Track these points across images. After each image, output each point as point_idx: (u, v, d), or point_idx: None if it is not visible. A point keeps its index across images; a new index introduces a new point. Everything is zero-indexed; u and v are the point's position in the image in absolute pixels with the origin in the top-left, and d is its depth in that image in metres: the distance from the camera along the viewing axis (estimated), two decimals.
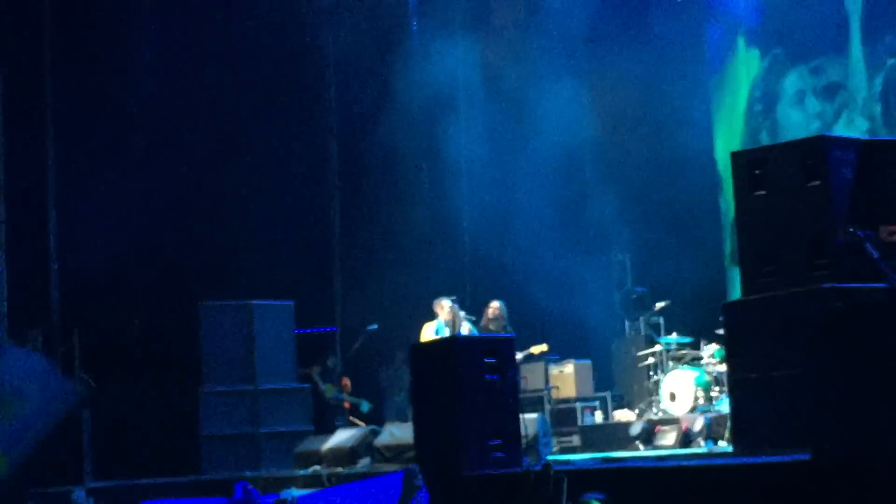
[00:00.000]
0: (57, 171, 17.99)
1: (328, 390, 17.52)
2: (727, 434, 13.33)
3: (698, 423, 14.72)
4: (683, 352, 16.60)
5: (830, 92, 17.41)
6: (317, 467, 13.97)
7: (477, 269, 19.46)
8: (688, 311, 17.22)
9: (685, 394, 15.76)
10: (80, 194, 17.64)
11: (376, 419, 17.13)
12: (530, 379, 16.90)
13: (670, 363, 16.42)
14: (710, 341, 16.02)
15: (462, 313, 15.04)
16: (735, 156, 10.44)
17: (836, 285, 9.23)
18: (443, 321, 14.92)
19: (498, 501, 9.60)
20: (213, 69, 18.40)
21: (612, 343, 18.68)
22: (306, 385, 16.55)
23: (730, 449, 11.43)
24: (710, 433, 14.50)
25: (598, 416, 17.20)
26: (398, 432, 13.48)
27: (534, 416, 13.21)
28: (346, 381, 18.08)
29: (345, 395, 17.73)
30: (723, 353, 14.70)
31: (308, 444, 14.84)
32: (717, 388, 15.63)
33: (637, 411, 16.75)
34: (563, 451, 15.65)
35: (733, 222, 11.91)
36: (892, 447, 7.03)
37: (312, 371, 17.47)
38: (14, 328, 17.17)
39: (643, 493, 8.60)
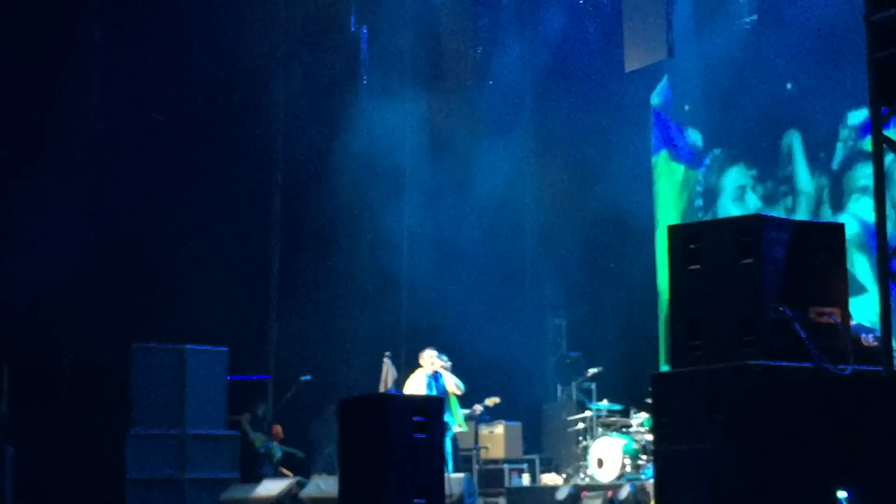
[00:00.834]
0: None
1: (258, 439, 17.43)
2: (652, 503, 13.41)
3: (624, 491, 14.81)
4: (613, 419, 16.70)
5: (771, 189, 17.71)
6: None
7: (413, 326, 19.50)
8: (619, 378, 17.36)
9: (612, 461, 15.85)
10: (13, 225, 17.49)
11: (304, 470, 17.08)
12: (460, 438, 16.91)
13: (599, 429, 16.52)
14: (639, 410, 16.15)
15: (444, 357, 15.25)
16: (672, 229, 10.54)
17: (763, 363, 9.32)
18: (430, 373, 15.00)
19: None
20: (160, 108, 18.39)
21: (544, 406, 18.77)
22: (235, 432, 16.46)
23: None
24: (636, 501, 14.58)
25: (526, 479, 17.24)
26: (324, 485, 13.47)
27: (460, 475, 13.23)
28: (278, 429, 18.01)
29: (275, 445, 17.65)
30: (651, 422, 14.80)
31: (234, 492, 14.76)
32: (644, 457, 15.73)
33: (564, 476, 16.82)
34: None
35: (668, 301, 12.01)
36: None
37: (242, 418, 17.39)
38: None
39: None
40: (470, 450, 17.17)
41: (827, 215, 17.00)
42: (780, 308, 9.49)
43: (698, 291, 10.03)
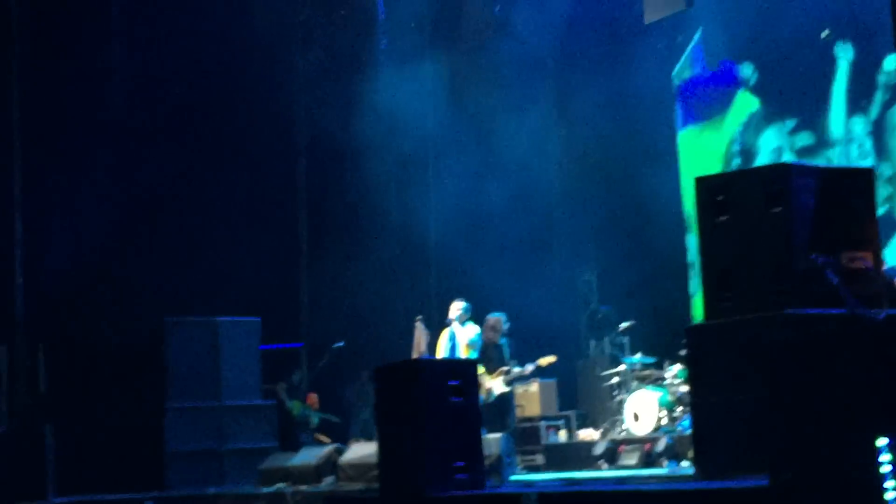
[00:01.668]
0: (24, 185, 17.95)
1: (295, 407, 17.52)
2: (690, 454, 13.42)
3: (661, 443, 14.81)
4: (647, 372, 16.69)
5: (808, 151, 17.47)
6: (281, 485, 13.98)
7: (443, 287, 19.50)
8: (652, 331, 17.32)
9: (648, 414, 15.84)
10: (47, 209, 17.63)
11: (341, 436, 17.16)
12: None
13: (634, 383, 16.51)
14: (673, 362, 16.13)
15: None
16: (699, 181, 10.51)
17: (796, 311, 9.31)
18: (452, 329, 14.92)
19: None
20: (184, 83, 18.42)
21: (577, 362, 18.77)
22: (271, 402, 16.55)
23: (692, 470, 11.51)
24: (673, 453, 14.58)
25: (563, 435, 17.26)
26: (363, 451, 13.51)
27: (497, 435, 13.26)
28: (313, 397, 18.09)
29: (312, 412, 17.73)
30: (686, 373, 14.79)
31: (273, 462, 14.84)
32: (680, 409, 15.72)
33: (601, 431, 16.83)
34: (527, 470, 15.70)
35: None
36: (841, 474, 7.13)
37: (278, 388, 17.48)
38: None
39: None
40: None
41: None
42: (812, 255, 9.46)
43: (728, 243, 10.01)
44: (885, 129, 16.60)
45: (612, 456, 15.52)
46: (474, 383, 10.57)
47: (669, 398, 15.89)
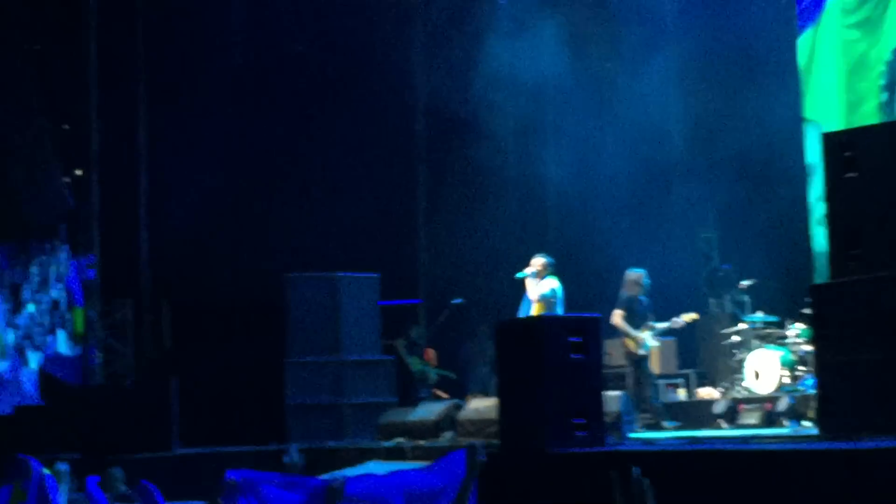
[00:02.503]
0: (148, 142, 18.23)
1: (413, 363, 17.62)
2: (812, 414, 13.25)
3: (783, 403, 14.65)
4: (768, 330, 16.50)
5: None
6: (400, 439, 14.07)
7: (562, 243, 19.43)
8: (773, 290, 17.08)
9: (770, 373, 15.68)
10: (170, 166, 17.87)
11: (459, 392, 17.22)
12: (614, 355, 16.88)
13: (755, 342, 16.34)
14: (795, 321, 15.91)
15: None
16: (826, 137, 10.33)
17: None
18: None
19: (581, 480, 9.63)
20: (303, 40, 18.54)
21: (697, 320, 18.59)
22: (390, 357, 16.65)
23: (814, 430, 11.35)
24: (795, 413, 14.41)
25: (682, 394, 17.16)
26: (482, 407, 13.54)
27: (617, 393, 13.20)
28: (431, 352, 18.18)
29: (430, 368, 17.82)
30: (809, 332, 14.58)
31: (392, 416, 14.94)
32: (802, 368, 15.53)
33: (721, 389, 16.68)
34: (646, 428, 15.63)
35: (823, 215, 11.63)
36: None
37: (397, 343, 17.58)
38: (105, 299, 17.48)
39: (727, 475, 8.57)
40: (624, 366, 17.12)
41: None
42: None
43: (857, 200, 9.82)
44: None
45: (731, 415, 15.39)
46: (596, 340, 10.53)
47: (791, 357, 15.70)
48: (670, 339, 17.50)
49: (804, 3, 17.97)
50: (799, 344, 15.71)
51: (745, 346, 16.49)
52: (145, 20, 18.14)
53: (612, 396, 12.86)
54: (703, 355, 18.05)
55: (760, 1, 18.29)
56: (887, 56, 17.00)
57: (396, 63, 19.81)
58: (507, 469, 10.02)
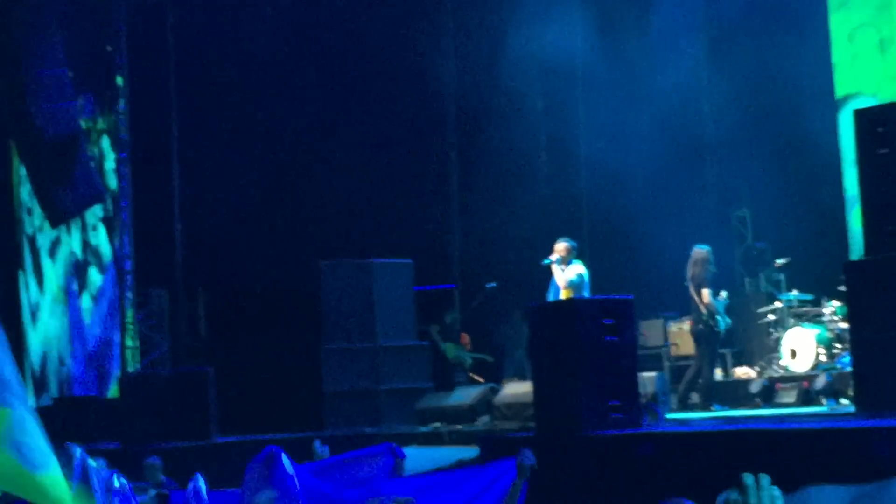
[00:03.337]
0: (181, 131, 18.29)
1: (448, 349, 17.63)
2: (849, 391, 13.19)
3: (820, 381, 14.58)
4: (804, 309, 16.43)
5: None
6: (437, 424, 14.13)
7: (594, 224, 19.41)
8: (808, 268, 16.99)
9: (806, 351, 15.61)
10: (204, 155, 17.94)
11: (494, 376, 17.23)
12: (649, 336, 16.87)
13: (791, 320, 16.27)
14: (831, 298, 15.84)
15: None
16: (858, 113, 10.28)
17: None
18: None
19: (617, 462, 9.64)
20: (333, 28, 18.55)
21: (732, 299, 18.51)
22: (426, 342, 16.66)
23: (853, 408, 11.31)
24: (832, 391, 14.34)
25: (718, 373, 17.10)
26: (517, 391, 13.56)
27: (652, 374, 13.21)
28: (466, 337, 18.19)
29: (465, 352, 17.83)
30: (845, 310, 14.51)
31: (428, 401, 14.99)
32: (838, 346, 15.45)
33: (757, 368, 16.63)
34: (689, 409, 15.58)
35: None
36: None
37: (431, 329, 17.60)
38: (140, 288, 17.57)
39: (765, 455, 8.56)
40: (660, 347, 17.10)
41: None
42: None
43: (890, 176, 9.77)
44: None
45: (768, 394, 15.33)
46: (630, 322, 10.53)
47: (828, 335, 15.63)
48: None
49: None
50: (835, 321, 15.64)
51: (780, 324, 16.42)
52: (175, 11, 18.20)
53: (648, 377, 12.87)
54: (739, 334, 17.95)
55: None
56: None
57: (426, 49, 19.77)
58: (544, 452, 10.02)
